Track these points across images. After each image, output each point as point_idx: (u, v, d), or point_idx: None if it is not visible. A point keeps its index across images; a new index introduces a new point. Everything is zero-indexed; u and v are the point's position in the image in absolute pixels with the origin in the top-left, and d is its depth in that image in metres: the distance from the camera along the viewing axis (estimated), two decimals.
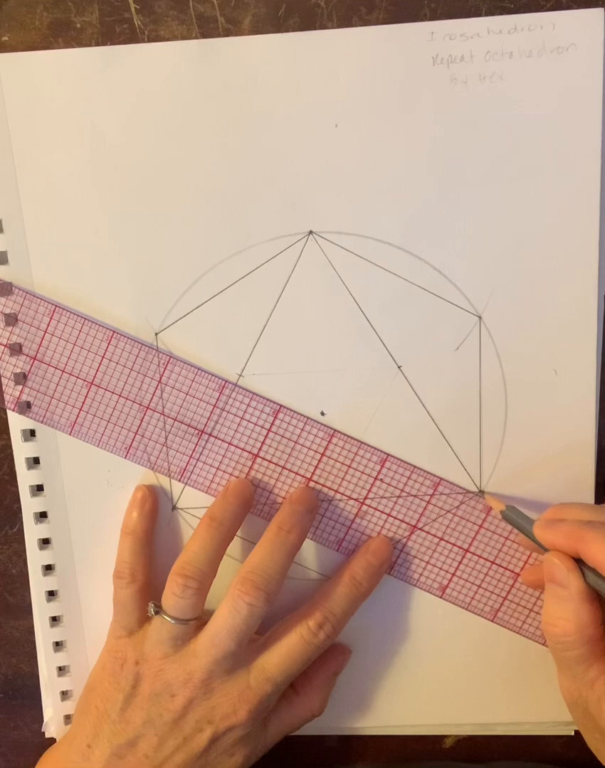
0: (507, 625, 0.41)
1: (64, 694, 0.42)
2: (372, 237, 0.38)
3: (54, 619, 0.41)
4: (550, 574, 0.34)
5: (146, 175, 0.37)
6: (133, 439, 0.39)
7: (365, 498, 0.40)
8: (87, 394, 0.39)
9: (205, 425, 0.39)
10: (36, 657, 0.42)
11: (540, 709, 0.42)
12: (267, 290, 0.38)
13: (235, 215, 0.38)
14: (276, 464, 0.39)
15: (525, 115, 0.37)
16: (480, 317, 0.39)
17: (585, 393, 0.39)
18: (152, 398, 0.39)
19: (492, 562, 0.40)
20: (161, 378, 0.39)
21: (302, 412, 0.39)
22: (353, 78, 0.37)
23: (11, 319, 0.38)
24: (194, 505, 0.40)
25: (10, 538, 0.42)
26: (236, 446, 0.39)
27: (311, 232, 0.38)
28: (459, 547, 0.40)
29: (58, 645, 0.42)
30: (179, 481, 0.40)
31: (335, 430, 0.39)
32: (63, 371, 0.39)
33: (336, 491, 0.40)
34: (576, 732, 0.42)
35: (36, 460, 0.40)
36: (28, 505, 0.40)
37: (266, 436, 0.39)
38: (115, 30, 0.37)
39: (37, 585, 0.41)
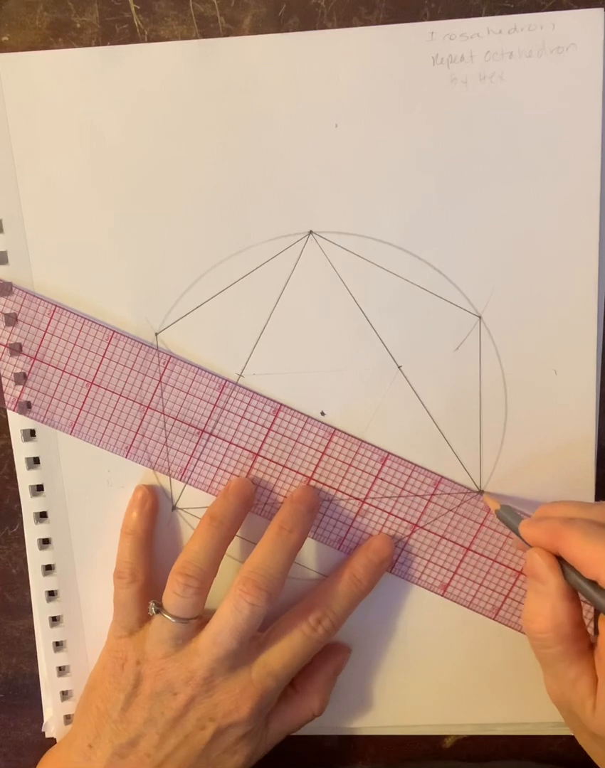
0: (508, 623, 0.41)
1: (64, 694, 0.42)
2: (372, 237, 0.38)
3: (54, 619, 0.41)
4: (531, 570, 0.34)
5: (146, 175, 0.37)
6: (133, 439, 0.39)
7: (366, 497, 0.40)
8: (87, 393, 0.39)
9: (205, 424, 0.39)
10: (36, 657, 0.42)
11: (540, 709, 0.42)
12: (267, 290, 0.38)
13: (235, 215, 0.38)
14: (277, 463, 0.39)
15: (525, 115, 0.37)
16: (480, 317, 0.39)
17: (585, 393, 0.39)
18: (152, 398, 0.39)
19: (494, 561, 0.40)
20: (161, 377, 0.39)
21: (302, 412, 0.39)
22: (353, 78, 0.37)
23: (11, 319, 0.38)
24: (194, 505, 0.40)
25: (10, 538, 0.42)
26: (237, 445, 0.39)
27: (311, 232, 0.38)
28: (460, 545, 0.40)
29: (58, 645, 0.42)
30: (180, 480, 0.40)
31: (335, 429, 0.39)
32: (63, 371, 0.39)
33: (337, 490, 0.40)
34: None
35: (36, 460, 0.40)
36: (28, 505, 0.40)
37: (266, 435, 0.39)
38: (115, 30, 0.37)
39: (37, 585, 0.41)
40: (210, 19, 0.37)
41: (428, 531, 0.40)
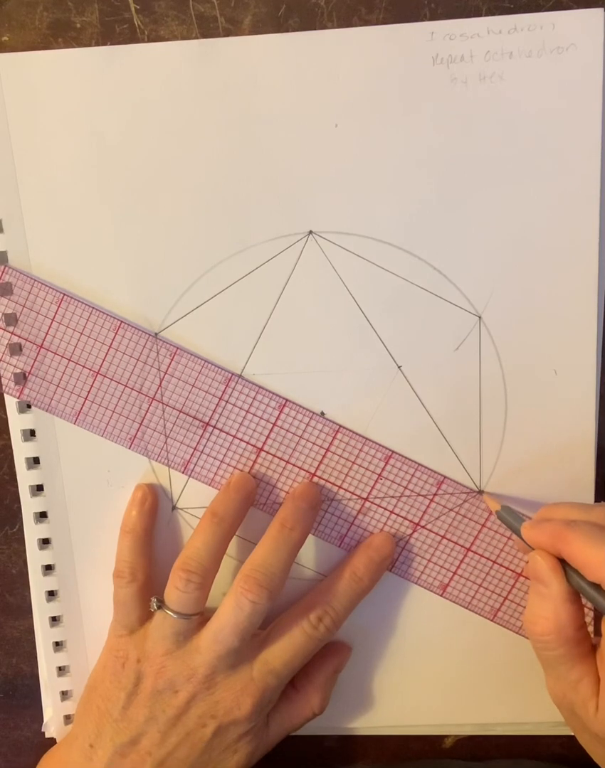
0: (507, 624, 0.41)
1: (64, 694, 0.42)
2: (372, 237, 0.38)
3: (54, 619, 0.41)
4: (533, 572, 0.34)
5: (146, 176, 0.37)
6: (137, 430, 0.39)
7: (369, 495, 0.40)
8: (93, 383, 0.39)
9: (210, 417, 0.39)
10: (36, 657, 0.42)
11: (540, 709, 0.42)
12: (267, 290, 0.38)
13: (235, 215, 0.38)
14: (280, 459, 0.40)
15: (525, 115, 0.37)
16: (479, 317, 0.39)
17: (585, 393, 0.39)
18: (157, 389, 0.39)
19: (494, 562, 0.40)
20: (167, 369, 0.39)
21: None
22: (353, 78, 0.37)
23: (11, 319, 0.38)
24: (194, 504, 0.40)
25: (10, 538, 0.42)
26: (241, 439, 0.39)
27: (311, 232, 0.38)
28: (460, 545, 0.40)
29: (58, 645, 0.42)
30: (183, 473, 0.40)
31: (340, 426, 0.39)
32: (69, 360, 0.39)
33: (340, 487, 0.40)
34: None
35: (36, 460, 0.40)
36: (28, 505, 0.40)
37: (270, 430, 0.39)
38: (115, 30, 0.37)
39: (37, 585, 0.41)
40: (210, 19, 0.37)
41: (430, 531, 0.40)
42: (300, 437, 0.39)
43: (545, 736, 0.43)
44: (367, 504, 0.40)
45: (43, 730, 0.43)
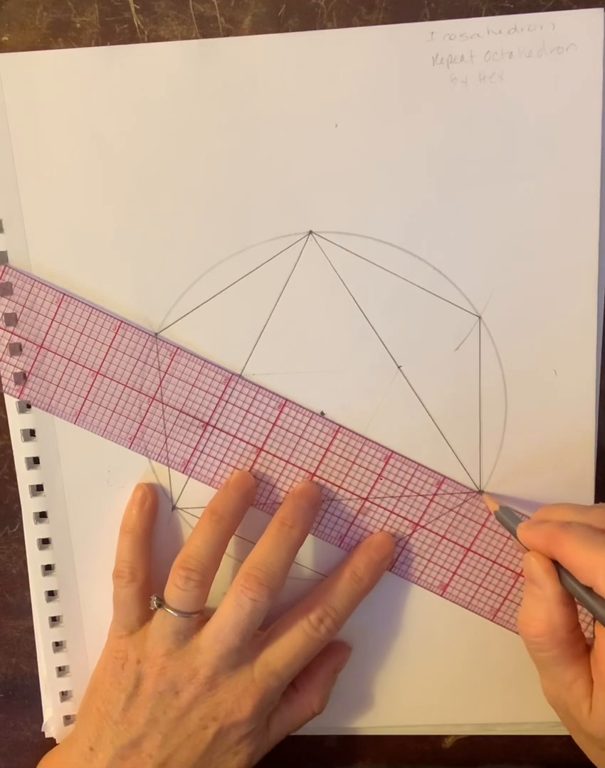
0: (507, 625, 0.41)
1: (64, 695, 0.42)
2: (372, 237, 0.38)
3: (54, 619, 0.41)
4: (528, 573, 0.34)
5: (146, 176, 0.37)
6: (137, 430, 0.39)
7: (369, 495, 0.40)
8: (93, 383, 0.39)
9: (210, 417, 0.39)
10: (36, 657, 0.42)
11: (540, 709, 0.42)
12: (267, 290, 0.38)
13: (235, 215, 0.38)
14: (280, 458, 0.40)
15: (525, 115, 0.37)
16: (479, 317, 0.39)
17: (585, 393, 0.39)
18: (157, 389, 0.39)
19: (493, 562, 0.40)
20: (167, 369, 0.39)
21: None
22: (353, 78, 0.37)
23: (11, 319, 0.38)
24: (194, 504, 0.40)
25: (10, 538, 0.42)
26: (241, 439, 0.39)
27: (311, 232, 0.38)
28: (460, 545, 0.40)
29: (58, 645, 0.42)
30: (183, 472, 0.40)
31: (340, 426, 0.39)
32: (69, 359, 0.39)
33: (339, 487, 0.40)
34: None
35: (36, 460, 0.40)
36: (28, 505, 0.40)
37: (270, 430, 0.39)
38: (115, 30, 0.37)
39: (37, 585, 0.41)
40: (210, 19, 0.37)
41: (430, 530, 0.40)
42: (300, 437, 0.39)
43: (545, 736, 0.43)
44: (367, 504, 0.40)
45: (43, 730, 0.43)
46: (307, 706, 0.40)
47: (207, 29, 0.37)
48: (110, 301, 0.38)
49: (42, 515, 0.40)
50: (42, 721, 0.43)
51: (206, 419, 0.39)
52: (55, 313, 0.38)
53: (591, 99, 0.37)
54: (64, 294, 0.38)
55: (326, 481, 0.40)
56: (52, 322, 0.38)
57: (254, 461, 0.40)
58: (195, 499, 0.40)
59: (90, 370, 0.39)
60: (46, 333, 0.39)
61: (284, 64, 0.37)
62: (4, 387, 0.39)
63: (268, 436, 0.39)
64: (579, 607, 0.33)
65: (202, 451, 0.40)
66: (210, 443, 0.39)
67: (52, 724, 0.43)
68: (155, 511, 0.40)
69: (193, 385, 0.39)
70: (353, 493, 0.40)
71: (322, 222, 0.38)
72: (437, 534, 0.40)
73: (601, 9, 0.36)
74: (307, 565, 0.41)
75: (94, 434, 0.39)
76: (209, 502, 0.38)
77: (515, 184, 0.37)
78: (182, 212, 0.38)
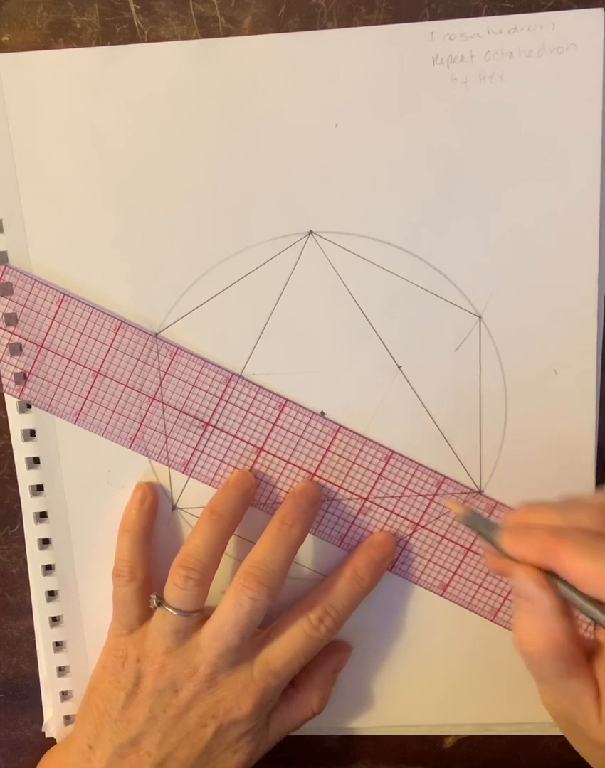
0: (507, 625, 0.41)
1: (64, 695, 0.42)
2: (372, 237, 0.38)
3: (54, 619, 0.41)
4: (520, 590, 0.31)
5: (146, 176, 0.37)
6: (137, 430, 0.39)
7: (369, 495, 0.40)
8: (93, 383, 0.39)
9: (210, 417, 0.39)
10: (36, 657, 0.42)
11: (540, 709, 0.42)
12: (267, 290, 0.38)
13: (235, 215, 0.38)
14: (280, 458, 0.40)
15: (525, 115, 0.37)
16: (480, 317, 0.39)
17: (585, 393, 0.39)
18: (157, 389, 0.39)
19: None
20: (167, 369, 0.39)
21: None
22: (353, 78, 0.37)
23: (11, 319, 0.38)
24: (195, 504, 0.40)
25: (10, 538, 0.42)
26: (241, 439, 0.39)
27: (311, 232, 0.38)
28: (460, 545, 0.40)
29: (58, 645, 0.42)
30: (183, 473, 0.40)
31: (340, 426, 0.39)
32: (69, 359, 0.39)
33: (340, 487, 0.40)
34: None
35: (36, 460, 0.40)
36: (28, 505, 0.40)
37: (271, 430, 0.39)
38: (115, 30, 0.37)
39: (37, 585, 0.41)
40: (210, 19, 0.37)
41: (430, 530, 0.40)
42: (300, 437, 0.39)
43: (545, 736, 0.43)
44: (367, 504, 0.40)
45: (43, 730, 0.43)
46: (307, 706, 0.40)
47: (207, 29, 0.37)
48: (110, 301, 0.38)
49: (42, 515, 0.40)
50: (42, 721, 0.43)
51: (207, 419, 0.39)
52: (56, 313, 0.38)
53: (591, 99, 0.37)
54: (64, 294, 0.38)
55: (327, 481, 0.40)
56: (52, 322, 0.38)
57: (254, 461, 0.40)
58: (195, 499, 0.40)
59: (90, 370, 0.39)
60: (47, 333, 0.39)
61: (284, 64, 0.37)
62: (4, 387, 0.39)
63: (268, 436, 0.39)
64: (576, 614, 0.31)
65: (202, 451, 0.40)
66: (210, 443, 0.40)
67: (52, 724, 0.43)
68: (154, 511, 0.40)
69: (193, 385, 0.39)
70: (353, 493, 0.40)
71: (322, 222, 0.38)
72: (437, 534, 0.40)
73: (601, 9, 0.36)
74: (307, 564, 0.41)
75: (94, 434, 0.39)
76: (209, 501, 0.38)
77: (515, 183, 0.37)
78: (182, 212, 0.38)
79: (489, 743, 0.44)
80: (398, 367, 0.39)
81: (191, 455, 0.40)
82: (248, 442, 0.39)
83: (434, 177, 0.37)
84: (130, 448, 0.39)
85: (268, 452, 0.40)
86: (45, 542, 0.41)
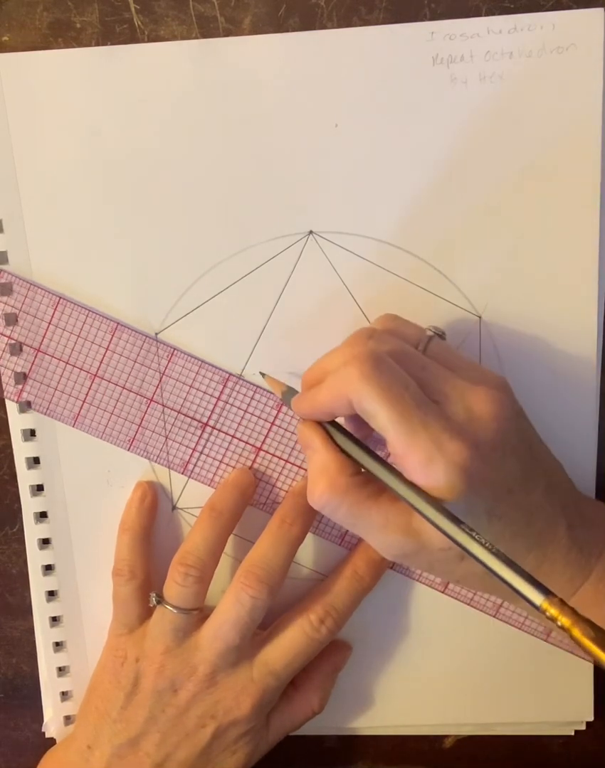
0: (510, 621, 0.41)
1: (64, 695, 0.42)
2: (372, 237, 0.38)
3: (54, 619, 0.41)
4: (301, 442, 0.34)
5: (146, 176, 0.37)
6: (136, 432, 0.39)
7: None
8: (90, 385, 0.39)
9: (208, 418, 0.39)
10: (36, 657, 0.42)
11: (540, 709, 0.42)
12: (267, 290, 0.38)
13: (235, 215, 0.38)
14: (279, 458, 0.40)
15: (525, 115, 0.37)
16: (480, 317, 0.39)
17: (585, 393, 0.39)
18: (155, 390, 0.39)
19: None
20: (164, 370, 0.39)
21: None
22: (353, 78, 0.37)
23: (11, 319, 0.38)
24: (194, 505, 0.40)
25: (10, 538, 0.42)
26: (240, 439, 0.39)
27: (311, 232, 0.38)
28: None
29: (58, 645, 0.42)
30: (182, 473, 0.40)
31: None
32: (67, 363, 0.39)
33: None
34: (576, 732, 0.42)
35: (36, 460, 0.40)
36: (28, 505, 0.40)
37: (269, 430, 0.39)
38: (115, 30, 0.37)
39: (37, 585, 0.41)
40: (210, 19, 0.37)
41: None
42: None
43: (545, 736, 0.43)
44: None
45: (43, 730, 0.43)
46: (307, 706, 0.40)
47: (207, 29, 0.37)
48: (110, 301, 0.38)
49: (42, 515, 0.40)
50: (42, 721, 0.43)
51: (205, 420, 0.39)
52: (52, 317, 0.38)
53: (591, 99, 0.37)
54: (60, 297, 0.38)
55: None
56: (49, 326, 0.38)
57: (254, 461, 0.40)
58: (195, 499, 0.40)
59: (88, 372, 0.39)
60: (43, 336, 0.39)
61: (284, 64, 0.37)
62: (3, 388, 0.39)
63: (267, 436, 0.39)
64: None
65: (201, 452, 0.40)
66: (209, 444, 0.39)
67: (52, 724, 0.43)
68: (154, 510, 0.40)
69: (190, 386, 0.39)
70: None
71: (322, 222, 0.38)
72: None
73: (601, 9, 0.36)
74: (307, 564, 0.41)
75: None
76: (208, 499, 0.38)
77: (515, 184, 0.37)
78: (181, 212, 0.38)
79: (489, 743, 0.44)
80: None
81: (190, 456, 0.40)
82: (246, 442, 0.39)
83: (434, 177, 0.37)
84: (129, 449, 0.39)
85: (267, 452, 0.40)
86: (45, 542, 0.41)
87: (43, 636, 0.41)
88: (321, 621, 0.37)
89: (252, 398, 0.39)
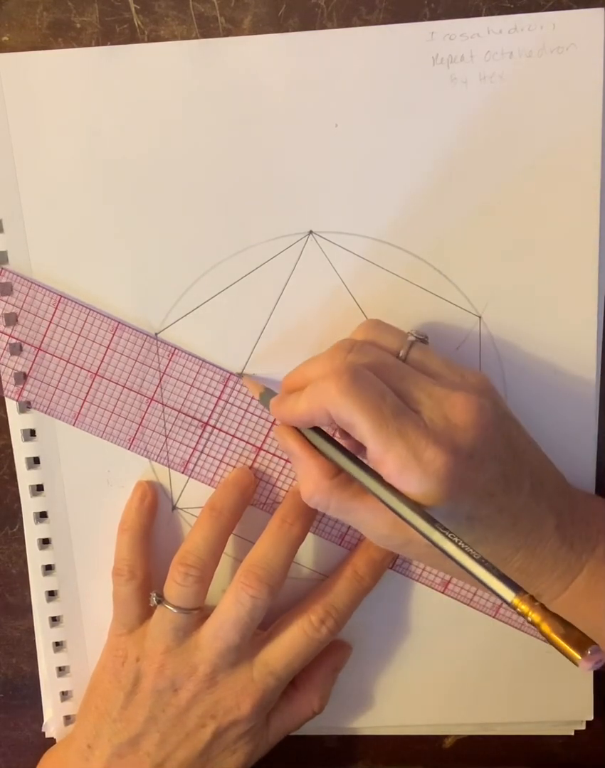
0: (510, 621, 0.41)
1: (64, 695, 0.42)
2: (372, 237, 0.38)
3: (54, 619, 0.41)
4: (282, 447, 0.35)
5: (146, 176, 0.37)
6: (136, 431, 0.39)
7: None
8: (91, 384, 0.39)
9: (209, 417, 0.39)
10: (36, 657, 0.42)
11: (540, 709, 0.42)
12: (267, 290, 0.38)
13: (235, 215, 0.38)
14: (279, 457, 0.40)
15: (525, 115, 0.37)
16: (480, 317, 0.39)
17: (585, 393, 0.39)
18: (155, 389, 0.39)
19: None
20: (165, 369, 0.39)
21: None
22: (353, 78, 0.37)
23: (11, 319, 0.38)
24: (195, 504, 0.40)
25: (10, 538, 0.42)
26: (240, 439, 0.39)
27: (311, 232, 0.38)
28: None
29: (58, 645, 0.42)
30: (183, 473, 0.40)
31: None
32: (67, 361, 0.39)
33: None
34: (576, 732, 0.42)
35: (36, 460, 0.40)
36: (28, 505, 0.40)
37: (270, 429, 0.39)
38: (115, 30, 0.37)
39: (37, 585, 0.41)
40: (210, 19, 0.37)
41: None
42: None
43: (545, 736, 0.43)
44: None
45: (43, 730, 0.43)
46: (307, 705, 0.40)
47: (207, 29, 0.37)
48: (110, 300, 0.38)
49: (42, 515, 0.40)
50: (42, 721, 0.43)
51: (205, 419, 0.39)
52: (53, 316, 0.38)
53: (591, 99, 0.37)
54: (61, 296, 0.38)
55: None
56: (49, 325, 0.38)
57: (254, 460, 0.40)
58: (195, 499, 0.40)
59: (88, 371, 0.39)
60: (44, 335, 0.39)
61: (284, 64, 0.37)
62: (4, 388, 0.39)
63: (267, 435, 0.39)
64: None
65: (201, 451, 0.40)
66: (209, 443, 0.40)
67: (52, 724, 0.43)
68: (154, 509, 0.40)
69: (191, 386, 0.39)
70: None
71: (322, 222, 0.38)
72: None
73: (601, 9, 0.36)
74: (307, 564, 0.41)
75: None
76: (208, 499, 0.38)
77: (515, 183, 0.37)
78: (181, 212, 0.38)
79: (489, 743, 0.44)
80: None
81: (191, 455, 0.40)
82: (247, 442, 0.39)
83: (434, 177, 0.37)
84: (129, 449, 0.39)
85: (267, 451, 0.40)
86: (45, 542, 0.41)
87: (43, 636, 0.41)
88: (322, 621, 0.37)
89: (253, 398, 0.39)
